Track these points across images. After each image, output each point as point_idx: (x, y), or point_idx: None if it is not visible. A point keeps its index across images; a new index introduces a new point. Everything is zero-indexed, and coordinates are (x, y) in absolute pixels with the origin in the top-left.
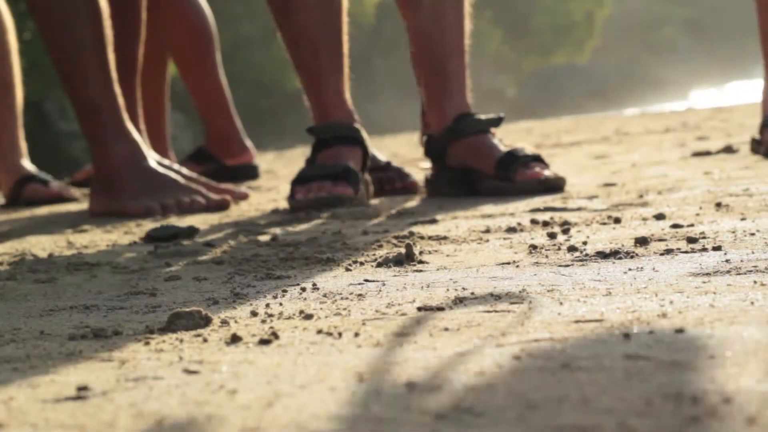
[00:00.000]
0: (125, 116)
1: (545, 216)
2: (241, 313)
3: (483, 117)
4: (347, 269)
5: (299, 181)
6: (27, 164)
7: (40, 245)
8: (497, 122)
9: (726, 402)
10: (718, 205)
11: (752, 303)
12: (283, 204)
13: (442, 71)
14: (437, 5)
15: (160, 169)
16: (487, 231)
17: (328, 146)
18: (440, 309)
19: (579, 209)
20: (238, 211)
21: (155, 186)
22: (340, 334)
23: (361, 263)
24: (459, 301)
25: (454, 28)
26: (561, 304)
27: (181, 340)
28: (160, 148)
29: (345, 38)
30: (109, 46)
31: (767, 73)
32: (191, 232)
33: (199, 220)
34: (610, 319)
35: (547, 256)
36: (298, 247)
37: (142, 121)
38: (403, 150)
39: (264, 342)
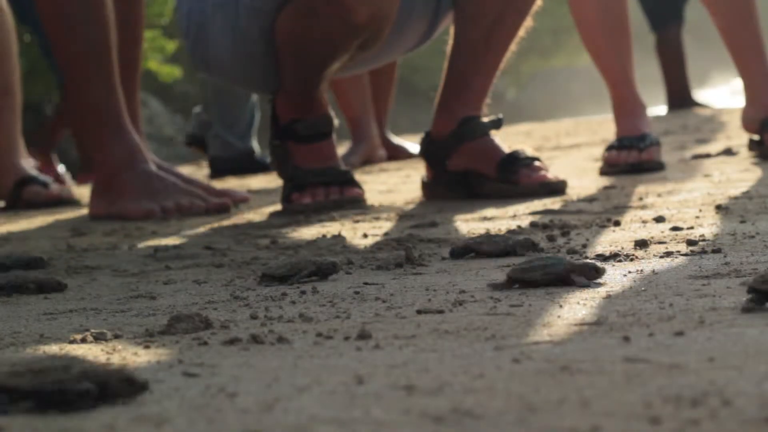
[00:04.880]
0: (127, 119)
1: (545, 219)
2: (240, 316)
3: (484, 119)
4: (347, 272)
5: (297, 188)
6: (27, 166)
7: (40, 248)
8: (498, 124)
9: (726, 404)
10: (718, 207)
11: None
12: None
13: (464, 78)
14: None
15: (160, 173)
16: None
17: (306, 142)
18: (440, 312)
19: (579, 212)
20: (238, 214)
21: (155, 189)
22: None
23: (361, 266)
24: (458, 304)
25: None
26: (561, 306)
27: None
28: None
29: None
30: (114, 48)
31: (744, 78)
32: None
33: (199, 223)
34: (610, 321)
35: None
36: (297, 250)
37: (142, 124)
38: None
39: (264, 345)
